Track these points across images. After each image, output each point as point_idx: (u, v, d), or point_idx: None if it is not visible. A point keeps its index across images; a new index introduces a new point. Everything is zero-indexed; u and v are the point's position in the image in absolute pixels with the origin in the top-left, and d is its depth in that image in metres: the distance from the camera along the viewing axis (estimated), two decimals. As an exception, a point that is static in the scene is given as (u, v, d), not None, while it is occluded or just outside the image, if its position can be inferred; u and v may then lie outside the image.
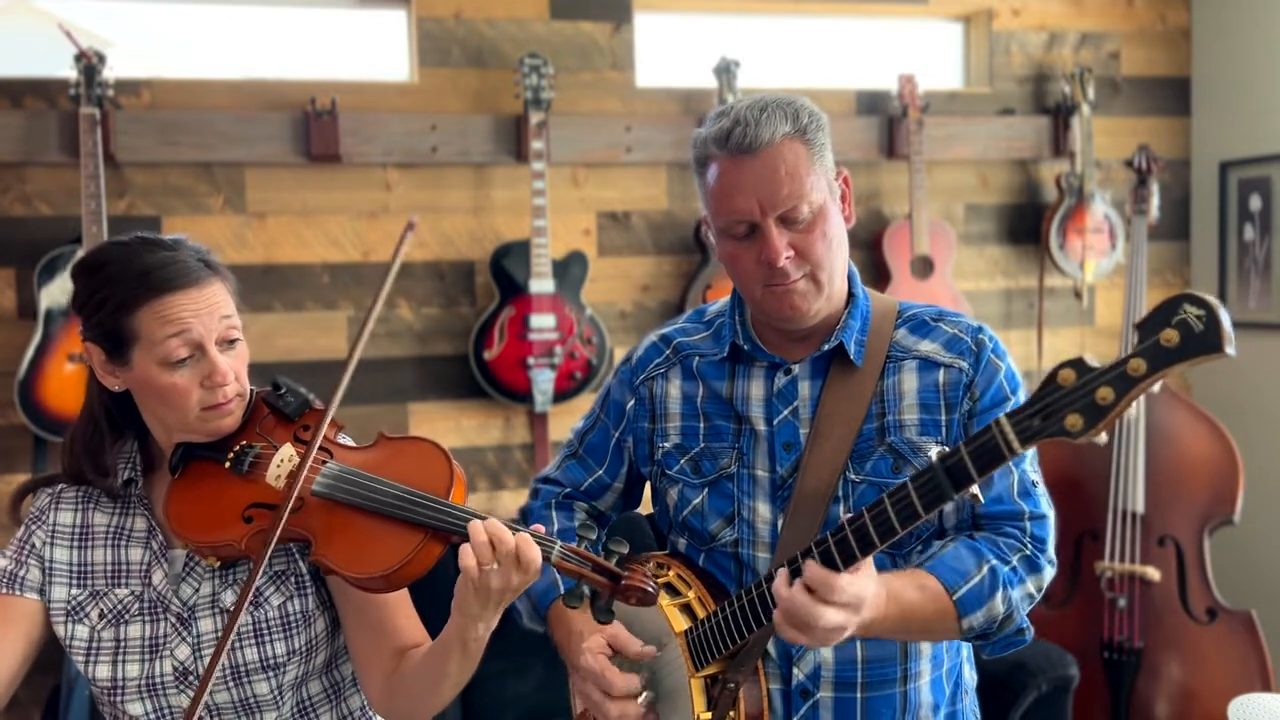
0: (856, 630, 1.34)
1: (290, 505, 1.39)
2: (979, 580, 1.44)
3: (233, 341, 1.47)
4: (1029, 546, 1.49)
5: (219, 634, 1.48)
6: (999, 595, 1.44)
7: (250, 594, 1.38)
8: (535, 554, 1.34)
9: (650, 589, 1.37)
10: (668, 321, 1.75)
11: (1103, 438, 1.12)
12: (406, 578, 1.39)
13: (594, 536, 1.42)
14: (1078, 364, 1.12)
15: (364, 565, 1.38)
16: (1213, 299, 1.06)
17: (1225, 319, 1.06)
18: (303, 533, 1.42)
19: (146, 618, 1.49)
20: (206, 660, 1.47)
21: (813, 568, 1.29)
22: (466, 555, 1.34)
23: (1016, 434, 1.16)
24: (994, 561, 1.46)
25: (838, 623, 1.29)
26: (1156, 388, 1.11)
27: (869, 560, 1.33)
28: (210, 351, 1.43)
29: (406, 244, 1.41)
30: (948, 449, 1.22)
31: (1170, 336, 1.07)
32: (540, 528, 1.39)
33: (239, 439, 1.50)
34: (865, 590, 1.31)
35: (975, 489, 1.22)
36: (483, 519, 1.36)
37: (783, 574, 1.33)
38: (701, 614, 1.50)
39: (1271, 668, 3.04)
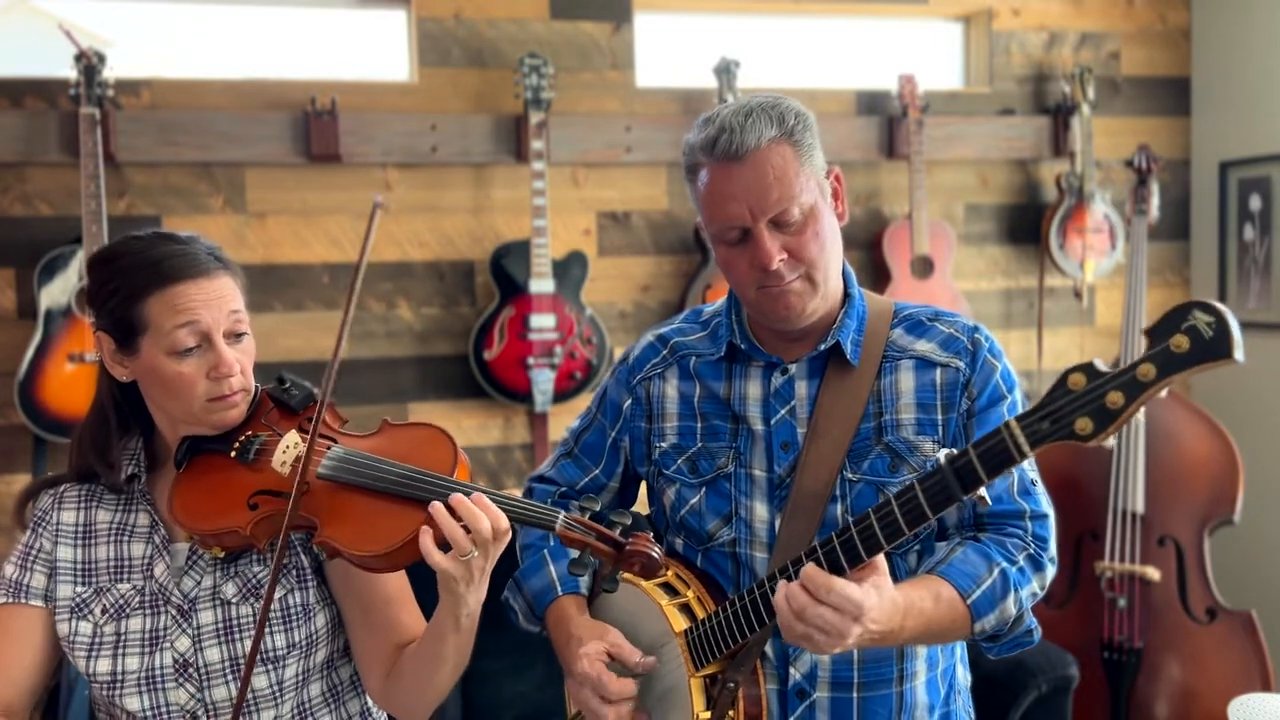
0: (869, 640, 1.33)
1: (299, 487, 1.39)
2: (990, 583, 1.44)
3: (240, 335, 1.50)
4: (1032, 546, 1.49)
5: (219, 625, 1.49)
6: (1010, 597, 1.45)
7: (277, 573, 1.38)
8: (504, 523, 1.35)
9: (655, 555, 1.37)
10: (664, 321, 1.75)
11: (1111, 441, 1.13)
12: (410, 556, 1.38)
13: (597, 507, 1.43)
14: (1088, 368, 1.12)
15: (369, 543, 1.38)
16: (1222, 306, 1.07)
17: (1235, 326, 1.07)
18: (308, 517, 1.42)
19: (147, 611, 1.50)
20: (206, 653, 1.48)
21: (810, 569, 1.29)
22: (431, 553, 1.34)
23: (1026, 437, 1.15)
24: (1003, 564, 1.46)
25: (833, 623, 1.28)
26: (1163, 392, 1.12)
27: (883, 568, 1.32)
28: (217, 342, 1.46)
29: (376, 222, 1.39)
30: (955, 451, 1.21)
31: (1180, 342, 1.08)
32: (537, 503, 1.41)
33: (244, 431, 1.51)
34: (866, 599, 1.28)
35: (983, 491, 1.21)
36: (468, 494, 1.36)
37: (782, 583, 1.33)
38: (701, 614, 1.50)
39: (1271, 668, 3.04)
